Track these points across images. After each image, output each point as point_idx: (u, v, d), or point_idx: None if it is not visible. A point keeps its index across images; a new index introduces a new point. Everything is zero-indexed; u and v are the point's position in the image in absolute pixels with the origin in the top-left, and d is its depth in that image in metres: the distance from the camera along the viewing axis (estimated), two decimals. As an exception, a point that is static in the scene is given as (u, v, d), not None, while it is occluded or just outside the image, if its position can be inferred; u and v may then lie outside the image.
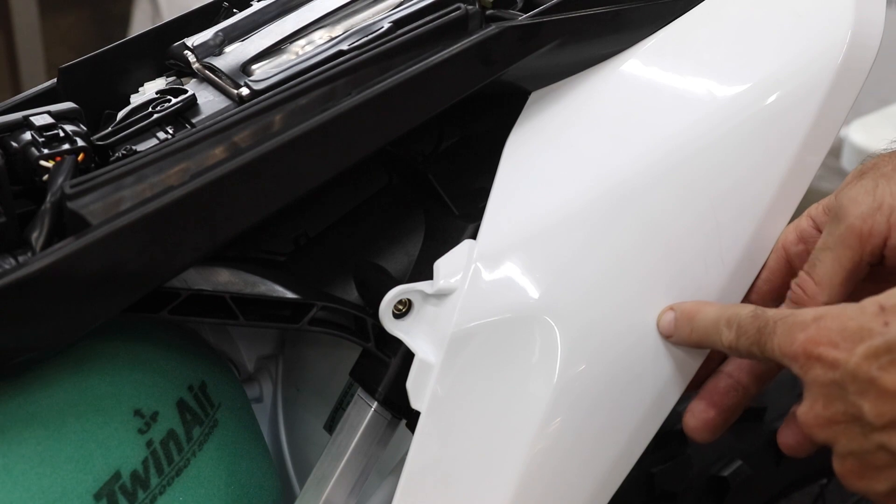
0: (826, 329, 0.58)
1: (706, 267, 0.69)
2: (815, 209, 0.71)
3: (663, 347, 0.69)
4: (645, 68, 0.73)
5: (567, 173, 0.71)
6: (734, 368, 0.70)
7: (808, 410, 0.60)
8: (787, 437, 0.68)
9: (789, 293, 0.67)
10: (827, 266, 0.65)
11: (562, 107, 0.73)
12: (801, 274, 0.67)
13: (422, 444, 0.67)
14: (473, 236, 0.72)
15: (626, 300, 0.69)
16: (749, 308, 0.64)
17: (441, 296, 0.68)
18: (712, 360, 0.71)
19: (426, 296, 0.68)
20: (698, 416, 0.69)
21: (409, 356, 0.72)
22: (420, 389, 0.67)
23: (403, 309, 0.68)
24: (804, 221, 0.71)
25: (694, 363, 0.70)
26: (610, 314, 0.68)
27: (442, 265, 0.68)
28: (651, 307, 0.69)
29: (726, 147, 0.70)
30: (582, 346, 0.67)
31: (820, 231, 0.69)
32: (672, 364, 0.69)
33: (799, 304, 0.66)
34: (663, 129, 0.71)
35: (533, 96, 0.74)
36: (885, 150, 0.71)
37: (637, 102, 0.72)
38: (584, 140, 0.72)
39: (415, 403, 0.67)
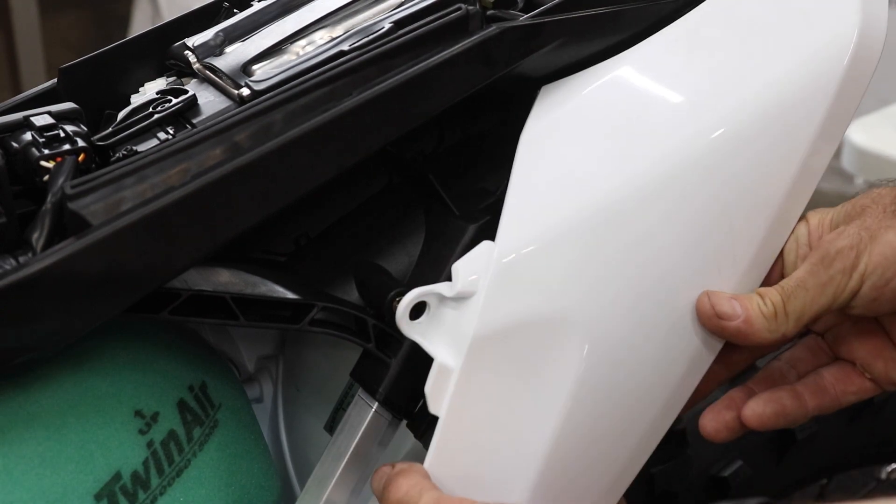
0: None
1: (719, 269, 0.69)
2: (816, 220, 0.72)
3: (679, 349, 0.69)
4: (655, 66, 0.73)
5: (584, 171, 0.70)
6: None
7: None
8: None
9: (760, 304, 0.68)
10: (800, 303, 0.67)
11: (575, 102, 0.72)
12: (777, 297, 0.68)
13: (441, 450, 0.66)
14: (474, 236, 0.72)
15: (644, 301, 0.68)
16: None
17: (460, 299, 0.66)
18: (718, 371, 0.72)
19: (444, 298, 0.66)
20: (717, 418, 0.72)
21: (409, 357, 0.72)
22: (439, 394, 0.65)
23: (417, 311, 0.67)
24: (803, 228, 0.72)
25: (705, 363, 0.70)
26: (629, 317, 0.68)
27: (461, 267, 0.66)
28: (669, 309, 0.68)
29: (740, 147, 0.69)
30: (602, 348, 0.67)
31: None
32: (686, 366, 0.69)
33: (767, 318, 0.68)
34: (678, 129, 0.70)
35: (543, 90, 0.73)
36: (880, 184, 0.71)
37: (649, 100, 0.72)
38: (599, 137, 0.71)
39: (433, 408, 0.66)
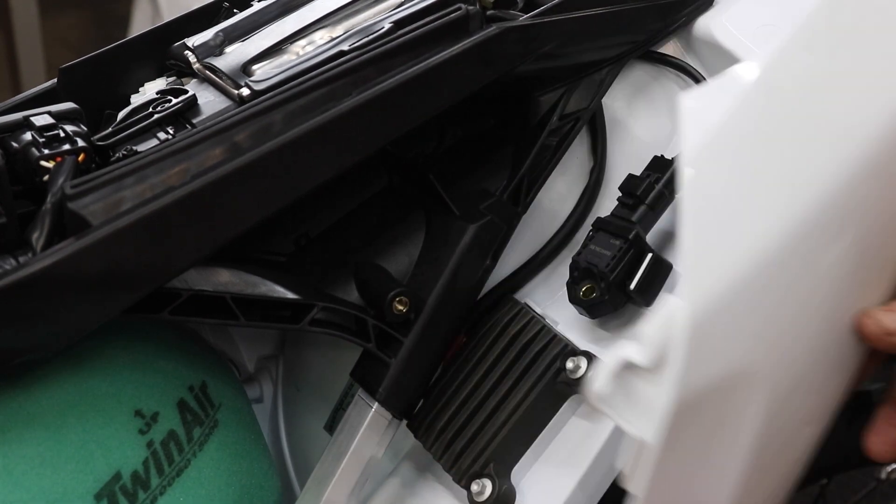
0: None
1: (873, 283, 0.66)
2: None
3: (833, 372, 0.67)
4: (806, 69, 0.63)
5: (765, 199, 0.61)
6: None
7: None
8: (876, 445, 0.69)
9: None
10: None
11: (734, 118, 0.61)
12: None
13: None
14: (474, 236, 0.72)
15: (817, 332, 0.64)
16: None
17: (653, 367, 0.59)
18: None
19: (633, 367, 0.59)
20: (885, 440, 0.70)
21: (410, 358, 0.72)
22: (638, 472, 0.59)
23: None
24: None
25: (850, 380, 0.69)
26: (805, 353, 0.64)
27: (651, 333, 0.59)
28: (832, 334, 0.65)
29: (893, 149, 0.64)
30: (780, 394, 0.63)
31: None
32: (836, 388, 0.68)
33: None
34: (851, 137, 0.63)
35: (687, 100, 0.59)
36: None
37: (817, 108, 0.63)
38: (774, 158, 0.62)
39: (632, 488, 0.60)
